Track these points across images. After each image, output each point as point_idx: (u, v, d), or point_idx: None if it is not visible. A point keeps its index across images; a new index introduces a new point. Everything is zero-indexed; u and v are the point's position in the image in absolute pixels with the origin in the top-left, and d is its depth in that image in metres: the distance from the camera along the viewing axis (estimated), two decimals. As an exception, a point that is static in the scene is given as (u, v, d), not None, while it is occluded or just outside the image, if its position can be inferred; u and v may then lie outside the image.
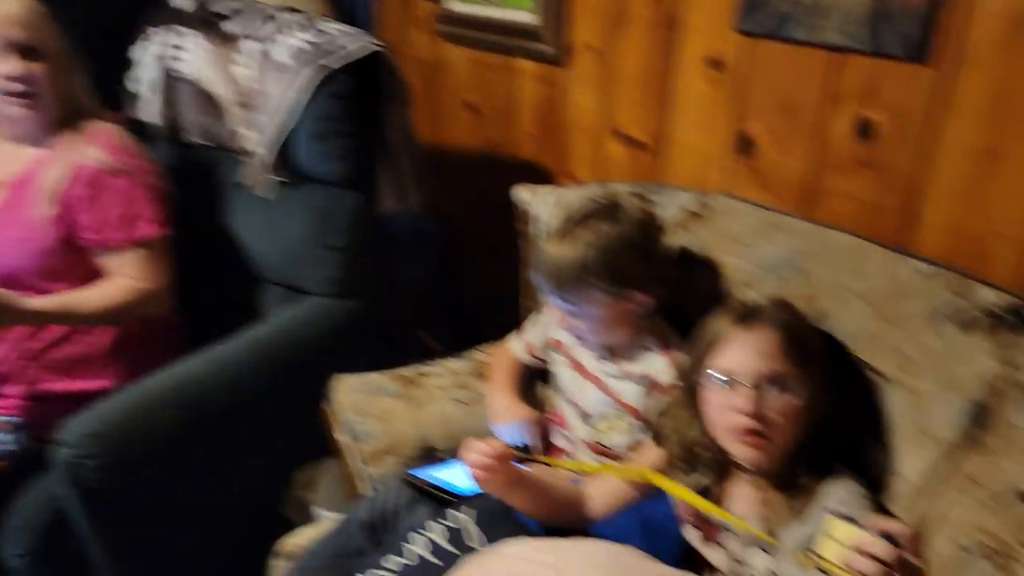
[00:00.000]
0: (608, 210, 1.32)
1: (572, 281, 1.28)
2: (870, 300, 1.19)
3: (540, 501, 1.21)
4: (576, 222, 1.31)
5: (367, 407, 1.47)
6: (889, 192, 1.35)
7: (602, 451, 1.40)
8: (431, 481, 1.31)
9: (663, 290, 1.34)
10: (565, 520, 1.25)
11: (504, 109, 2.21)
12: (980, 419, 1.06)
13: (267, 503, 1.78)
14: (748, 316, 1.11)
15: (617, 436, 1.38)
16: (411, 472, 1.35)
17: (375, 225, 1.88)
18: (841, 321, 1.22)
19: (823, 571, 0.80)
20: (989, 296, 1.09)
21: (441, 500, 1.26)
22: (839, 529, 0.81)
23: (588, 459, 1.44)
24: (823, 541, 0.81)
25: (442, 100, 2.44)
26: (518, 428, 1.45)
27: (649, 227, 1.33)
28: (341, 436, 1.46)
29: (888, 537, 0.77)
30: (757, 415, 1.04)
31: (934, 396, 1.10)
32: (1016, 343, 1.05)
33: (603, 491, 1.27)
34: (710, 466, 1.18)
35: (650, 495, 1.26)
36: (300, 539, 1.38)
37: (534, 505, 1.20)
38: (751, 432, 1.05)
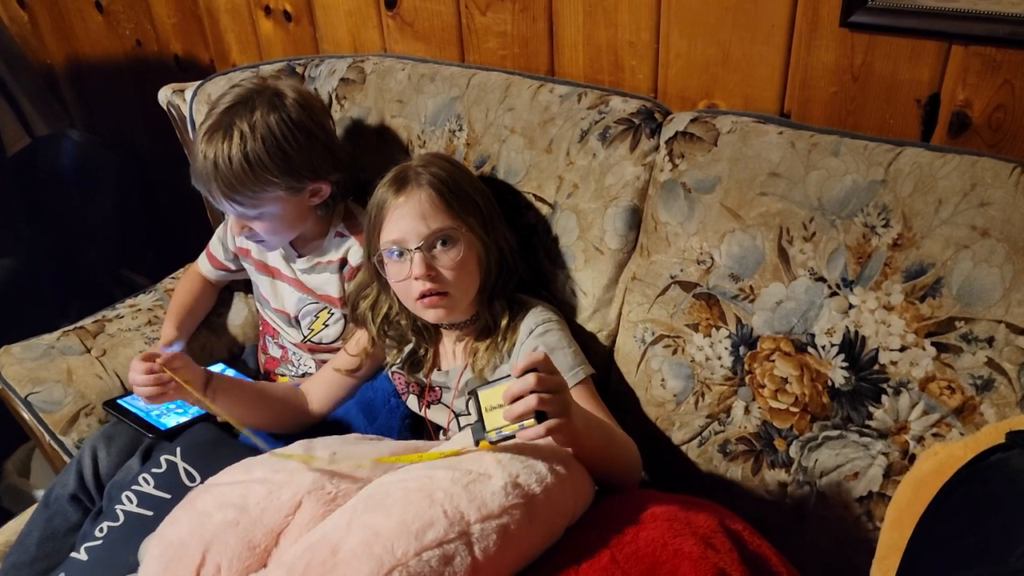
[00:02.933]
0: (260, 95, 1.18)
1: (240, 181, 1.14)
2: (525, 133, 1.21)
3: (253, 405, 1.15)
4: (227, 113, 1.16)
5: (43, 374, 1.30)
6: (534, 20, 1.34)
7: (317, 348, 1.36)
8: (132, 411, 1.22)
9: (339, 175, 1.25)
10: (293, 423, 1.21)
11: (136, 2, 1.94)
12: (635, 223, 1.14)
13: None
14: (401, 182, 1.08)
15: (328, 330, 1.34)
16: (115, 400, 1.25)
17: (4, 169, 1.60)
18: (505, 159, 1.23)
19: (504, 439, 0.82)
20: (620, 105, 1.14)
21: (145, 432, 1.17)
22: (488, 397, 0.82)
23: (307, 360, 1.40)
24: (486, 416, 0.82)
25: (65, 4, 2.09)
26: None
27: (309, 106, 1.21)
28: (22, 413, 1.29)
29: (529, 370, 0.80)
30: (430, 276, 1.04)
31: (596, 212, 1.15)
32: (649, 143, 1.11)
33: (320, 385, 1.24)
34: (414, 333, 1.18)
35: (367, 377, 1.25)
36: (3, 535, 1.22)
37: (251, 410, 1.14)
38: (429, 293, 1.05)
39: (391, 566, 0.72)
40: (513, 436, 0.81)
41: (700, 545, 0.80)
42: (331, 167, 1.23)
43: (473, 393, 0.83)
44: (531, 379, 0.79)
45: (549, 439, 0.84)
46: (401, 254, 1.06)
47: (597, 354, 1.18)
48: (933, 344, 0.91)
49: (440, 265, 1.05)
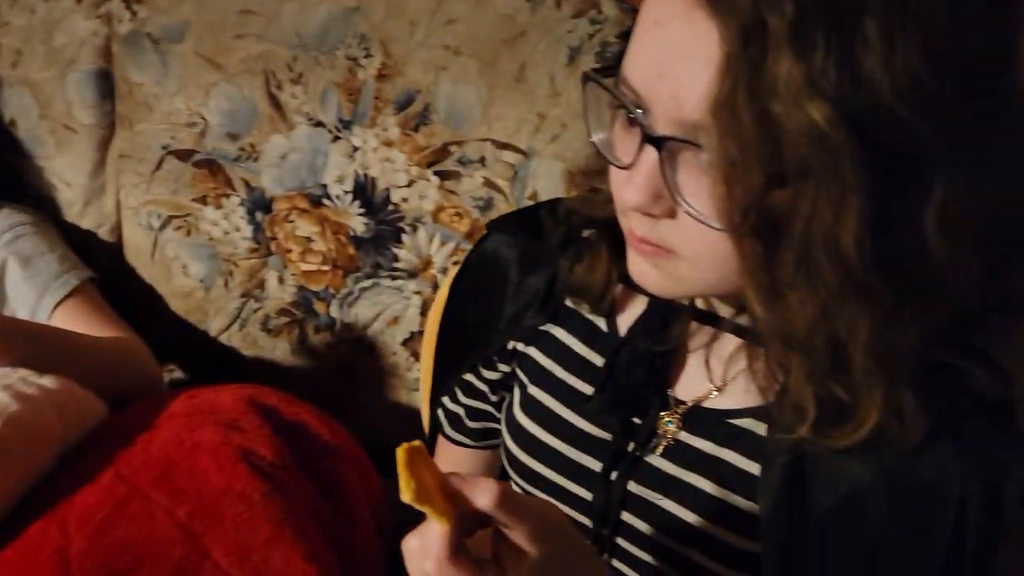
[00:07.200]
0: None
1: None
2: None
3: None
4: None
5: None
6: None
7: None
8: None
9: None
10: None
11: None
12: (107, 90, 0.95)
13: None
14: None
15: None
16: None
17: None
18: None
19: None
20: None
21: None
22: None
23: None
24: None
25: None
26: None
27: None
28: None
29: None
30: None
31: (53, 82, 0.94)
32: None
33: None
34: None
35: None
36: None
37: None
38: None
39: None
40: None
41: (222, 431, 0.72)
42: None
43: None
44: None
45: None
46: None
47: (103, 254, 1.00)
48: (436, 173, 0.91)
49: None
